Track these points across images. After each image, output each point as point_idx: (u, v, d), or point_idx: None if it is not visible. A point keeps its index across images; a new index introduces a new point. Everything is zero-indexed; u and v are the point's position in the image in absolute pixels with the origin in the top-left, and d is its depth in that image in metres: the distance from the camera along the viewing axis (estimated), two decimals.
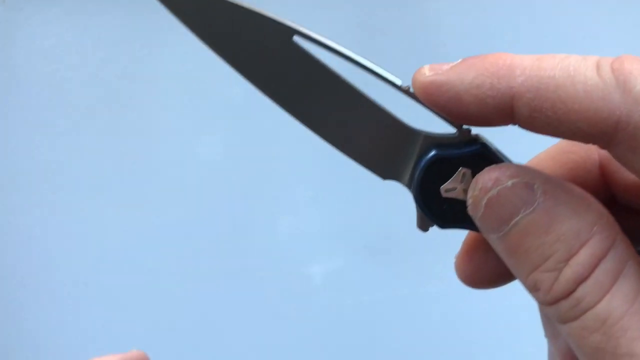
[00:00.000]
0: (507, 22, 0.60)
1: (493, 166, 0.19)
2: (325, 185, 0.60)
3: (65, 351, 0.59)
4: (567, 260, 0.17)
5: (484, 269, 0.22)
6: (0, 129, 0.59)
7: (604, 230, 0.17)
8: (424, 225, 0.21)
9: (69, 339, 0.59)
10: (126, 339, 0.59)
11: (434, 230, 0.22)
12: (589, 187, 0.20)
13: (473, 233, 0.22)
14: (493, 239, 0.19)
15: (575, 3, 0.60)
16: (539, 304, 0.19)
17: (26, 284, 0.59)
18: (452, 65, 0.18)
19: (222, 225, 0.60)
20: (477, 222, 0.19)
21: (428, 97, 0.19)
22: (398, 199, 0.58)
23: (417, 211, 0.21)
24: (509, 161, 0.20)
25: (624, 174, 0.21)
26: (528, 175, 0.18)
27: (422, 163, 0.21)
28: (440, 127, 0.21)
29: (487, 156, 0.20)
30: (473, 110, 0.18)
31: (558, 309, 0.18)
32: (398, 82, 0.20)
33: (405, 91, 0.20)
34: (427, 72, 0.19)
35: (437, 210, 0.21)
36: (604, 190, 0.21)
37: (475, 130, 0.21)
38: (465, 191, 0.20)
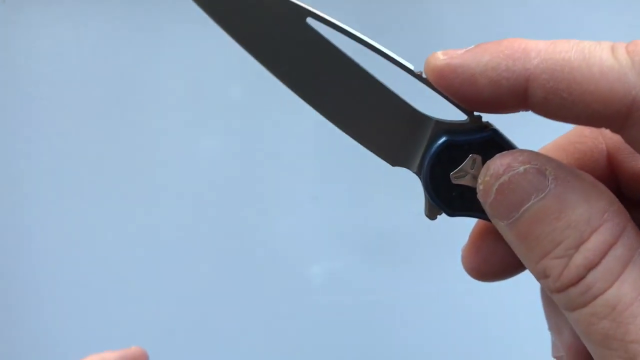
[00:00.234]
0: (507, 22, 0.60)
1: (505, 152, 0.19)
2: (325, 186, 0.60)
3: (65, 351, 0.59)
4: (577, 246, 0.17)
5: (491, 261, 0.22)
6: (1, 129, 0.59)
7: (615, 218, 0.17)
8: (432, 214, 0.21)
9: (69, 338, 0.59)
10: (126, 339, 0.59)
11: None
12: (596, 177, 0.20)
13: (480, 225, 0.22)
14: (502, 226, 0.19)
15: (575, 3, 0.60)
16: (548, 291, 0.18)
17: (26, 284, 0.59)
18: (466, 49, 0.18)
19: (221, 225, 0.60)
20: (487, 209, 0.19)
21: (442, 81, 0.19)
22: (398, 199, 0.58)
23: (426, 199, 0.21)
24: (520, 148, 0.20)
25: (632, 164, 0.20)
26: (540, 162, 0.18)
27: (433, 149, 0.20)
28: (451, 114, 0.21)
29: (498, 143, 0.20)
30: (487, 93, 0.18)
31: (567, 296, 0.18)
32: (411, 66, 0.20)
33: (418, 76, 0.20)
34: (442, 56, 0.19)
35: (446, 197, 0.20)
36: (611, 182, 0.21)
37: (485, 117, 0.20)
38: (476, 178, 0.20)
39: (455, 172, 0.20)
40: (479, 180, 0.19)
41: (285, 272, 0.60)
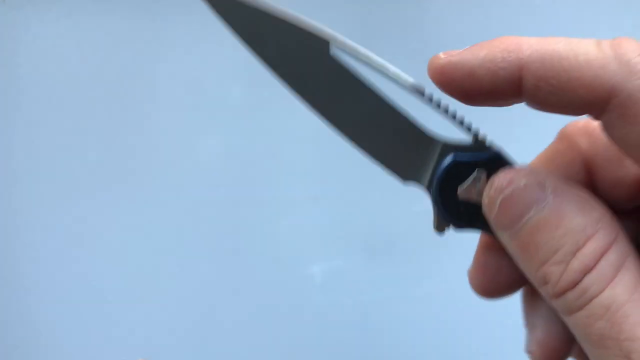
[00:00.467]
0: (507, 22, 0.60)
1: (508, 169, 0.21)
2: (325, 185, 0.60)
3: (65, 351, 0.59)
4: (574, 253, 0.19)
5: (497, 279, 0.23)
6: (0, 128, 0.59)
7: (607, 227, 0.19)
8: (440, 227, 0.23)
9: (69, 338, 0.59)
10: (126, 339, 0.59)
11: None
12: (581, 180, 0.22)
13: (482, 246, 0.24)
14: (505, 237, 0.20)
15: (575, 3, 0.60)
16: (548, 299, 0.20)
17: (25, 284, 0.59)
18: (464, 49, 0.20)
19: (221, 225, 0.60)
20: (492, 221, 0.21)
21: (444, 77, 0.20)
22: (398, 199, 0.58)
23: (434, 213, 0.23)
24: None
25: (606, 173, 0.22)
26: (539, 176, 0.20)
27: (442, 166, 0.22)
28: (458, 135, 0.23)
29: (500, 161, 0.22)
30: (486, 83, 0.20)
31: (565, 300, 0.19)
32: (425, 92, 0.22)
33: (429, 99, 0.22)
34: (442, 56, 0.21)
35: (453, 212, 0.22)
36: (591, 191, 0.23)
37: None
38: (481, 193, 0.22)
39: (462, 188, 0.22)
40: (484, 195, 0.21)
41: (285, 272, 0.60)
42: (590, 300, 0.18)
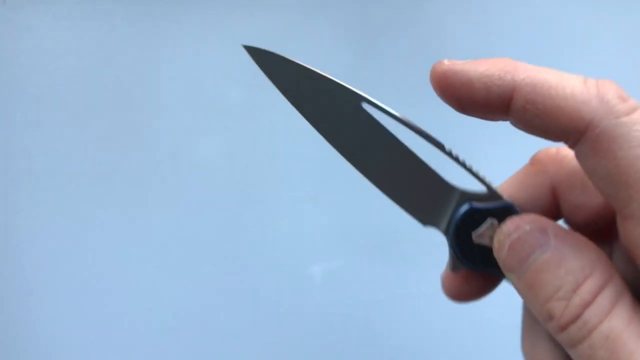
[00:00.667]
0: (507, 22, 0.60)
1: (515, 216, 0.23)
2: (325, 185, 0.60)
3: (65, 351, 0.59)
4: (575, 290, 0.21)
5: (467, 285, 0.26)
6: (1, 129, 0.59)
7: (603, 267, 0.21)
8: (456, 268, 0.26)
9: (69, 338, 0.59)
10: (126, 339, 0.60)
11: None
12: (544, 208, 0.26)
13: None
14: (514, 278, 0.23)
15: (575, 3, 0.61)
16: (553, 333, 0.22)
17: (25, 284, 0.59)
18: (465, 61, 0.22)
19: (221, 225, 0.60)
20: (501, 263, 0.23)
21: (444, 83, 0.22)
22: None
23: (450, 255, 0.26)
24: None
25: (570, 198, 0.25)
26: (542, 223, 0.22)
27: (459, 213, 0.25)
28: (474, 186, 0.25)
29: (511, 210, 0.25)
30: (480, 96, 0.22)
31: (569, 333, 0.21)
32: (447, 148, 0.25)
33: (449, 154, 0.25)
34: (446, 62, 0.22)
35: (468, 254, 0.25)
36: (555, 212, 0.26)
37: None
38: (492, 238, 0.24)
39: (476, 233, 0.25)
40: (495, 239, 0.23)
41: (285, 272, 0.60)
42: (591, 331, 0.21)
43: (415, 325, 0.60)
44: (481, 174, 0.25)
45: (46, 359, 0.60)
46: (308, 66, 0.25)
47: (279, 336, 0.60)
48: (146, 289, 0.59)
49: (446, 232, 0.26)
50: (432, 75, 0.22)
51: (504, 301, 0.55)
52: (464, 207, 0.25)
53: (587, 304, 0.21)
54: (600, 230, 0.25)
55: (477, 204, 0.25)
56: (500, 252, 0.23)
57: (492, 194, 0.25)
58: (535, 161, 0.26)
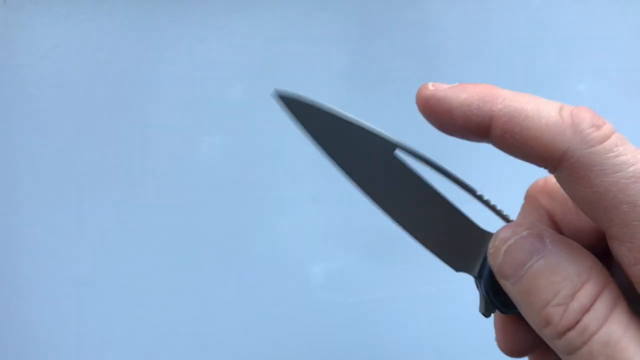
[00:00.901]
0: (506, 22, 0.60)
1: (511, 222, 0.24)
2: (325, 185, 0.60)
3: (65, 351, 0.59)
4: (573, 295, 0.21)
5: (518, 341, 0.26)
6: (1, 129, 0.59)
7: (599, 273, 0.22)
8: (487, 312, 0.26)
9: (69, 338, 0.59)
10: (126, 339, 0.60)
11: None
12: None
13: (499, 316, 0.26)
14: (508, 285, 0.23)
15: (574, 4, 0.61)
16: (550, 340, 0.22)
17: (25, 284, 0.59)
18: (450, 85, 0.23)
19: (222, 225, 0.60)
20: (496, 268, 0.23)
21: (427, 106, 0.23)
22: None
23: (483, 300, 0.25)
24: None
25: (568, 223, 0.25)
26: (539, 229, 0.23)
27: None
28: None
29: None
30: (460, 123, 0.22)
31: (568, 339, 0.21)
32: (477, 192, 0.25)
33: (479, 198, 0.25)
34: (430, 87, 0.23)
35: (500, 299, 0.24)
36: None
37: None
38: None
39: None
40: (490, 245, 0.23)
41: (285, 272, 0.60)
42: (591, 337, 0.21)
43: (415, 325, 0.60)
44: (511, 216, 0.25)
45: (45, 358, 0.60)
46: (340, 112, 0.25)
47: (279, 336, 0.60)
48: (146, 289, 0.59)
49: (479, 277, 0.25)
50: (417, 99, 0.23)
51: None
52: None
53: (586, 309, 0.21)
54: (605, 247, 0.24)
55: None
56: (496, 258, 0.23)
57: None
58: (528, 198, 0.27)
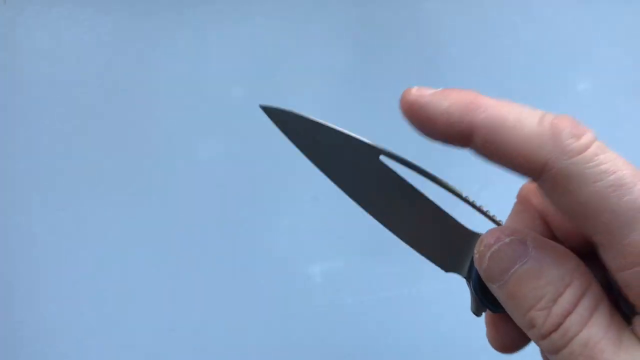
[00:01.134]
0: (506, 22, 0.60)
1: (495, 227, 0.24)
2: (325, 185, 0.60)
3: (65, 351, 0.59)
4: (555, 299, 0.22)
5: (509, 336, 0.26)
6: (1, 129, 0.59)
7: (582, 276, 0.22)
8: (478, 311, 0.26)
9: (69, 338, 0.59)
10: (126, 339, 0.60)
11: None
12: (542, 232, 0.26)
13: (489, 316, 0.27)
14: (495, 288, 0.23)
15: (573, 4, 0.61)
16: (535, 340, 0.23)
17: (25, 284, 0.59)
18: (434, 91, 0.23)
19: (222, 225, 0.60)
20: (482, 274, 0.23)
21: (409, 113, 0.23)
22: None
23: (473, 299, 0.26)
24: None
25: (559, 223, 0.25)
26: (522, 234, 0.23)
27: None
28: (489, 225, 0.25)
29: None
30: (441, 130, 0.22)
31: (551, 341, 0.22)
32: (463, 194, 0.25)
33: (467, 201, 0.25)
34: (415, 92, 0.23)
35: (490, 298, 0.25)
36: (548, 234, 0.26)
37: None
38: None
39: None
40: (475, 250, 0.24)
41: (285, 272, 0.60)
42: (572, 339, 0.21)
43: (415, 325, 0.60)
44: (498, 217, 0.25)
45: (45, 358, 0.60)
46: (324, 122, 0.25)
47: (279, 336, 0.60)
48: (146, 289, 0.59)
49: (468, 277, 0.26)
50: (401, 104, 0.23)
51: None
52: None
53: (568, 313, 0.21)
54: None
55: None
56: (481, 263, 0.23)
57: None
58: (520, 198, 0.27)
